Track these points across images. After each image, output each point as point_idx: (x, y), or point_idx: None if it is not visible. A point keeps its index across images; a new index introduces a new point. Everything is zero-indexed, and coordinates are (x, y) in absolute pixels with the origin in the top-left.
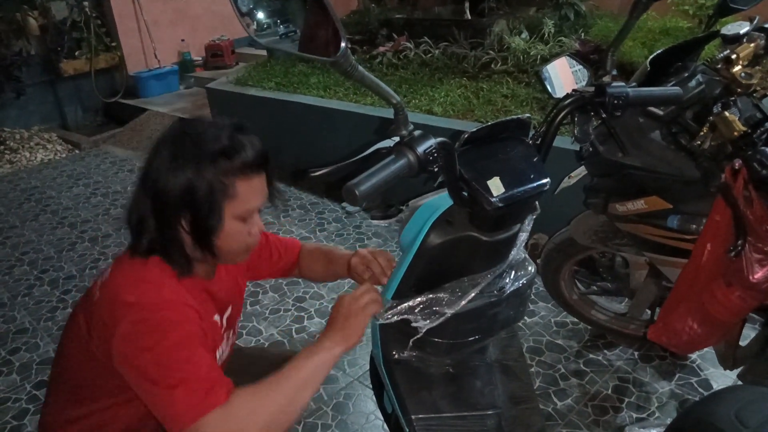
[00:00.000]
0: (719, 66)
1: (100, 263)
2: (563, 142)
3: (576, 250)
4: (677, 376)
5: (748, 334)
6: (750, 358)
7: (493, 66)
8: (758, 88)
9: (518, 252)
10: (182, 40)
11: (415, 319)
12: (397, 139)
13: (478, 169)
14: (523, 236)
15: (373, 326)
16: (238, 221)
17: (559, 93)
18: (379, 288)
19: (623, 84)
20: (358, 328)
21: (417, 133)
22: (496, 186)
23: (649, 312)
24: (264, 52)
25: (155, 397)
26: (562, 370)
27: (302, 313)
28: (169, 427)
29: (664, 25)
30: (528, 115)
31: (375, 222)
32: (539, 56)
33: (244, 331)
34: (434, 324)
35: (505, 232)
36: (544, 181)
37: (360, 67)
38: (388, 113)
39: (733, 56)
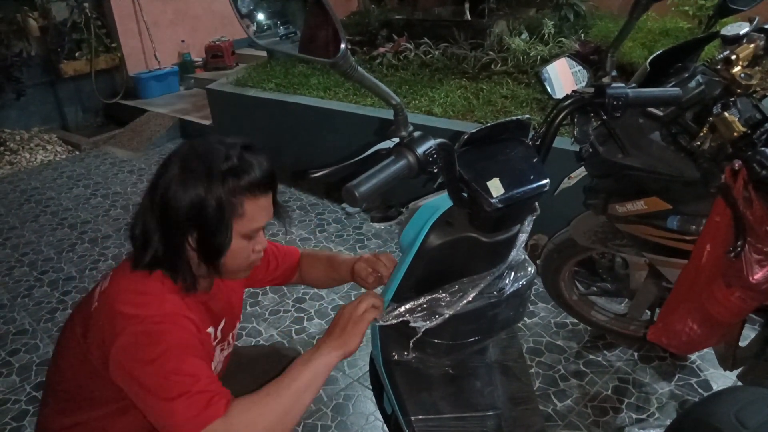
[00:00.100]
0: (719, 67)
1: (99, 264)
2: (563, 142)
3: (576, 250)
4: (677, 376)
5: (748, 335)
6: (750, 358)
7: (493, 67)
8: (758, 89)
9: (518, 253)
10: (182, 41)
11: (414, 320)
12: (396, 140)
13: (477, 170)
14: (523, 237)
15: (373, 328)
16: (243, 239)
17: (559, 94)
18: (380, 289)
19: (623, 85)
20: (356, 335)
21: (417, 134)
22: (495, 187)
23: (648, 313)
24: (264, 53)
25: (155, 409)
26: (562, 371)
27: (302, 314)
28: None
29: (664, 25)
30: (528, 116)
31: (374, 225)
32: (539, 57)
33: (243, 332)
34: (433, 325)
35: (504, 232)
36: (544, 181)
37: (360, 68)
38: (388, 114)
39: (733, 57)
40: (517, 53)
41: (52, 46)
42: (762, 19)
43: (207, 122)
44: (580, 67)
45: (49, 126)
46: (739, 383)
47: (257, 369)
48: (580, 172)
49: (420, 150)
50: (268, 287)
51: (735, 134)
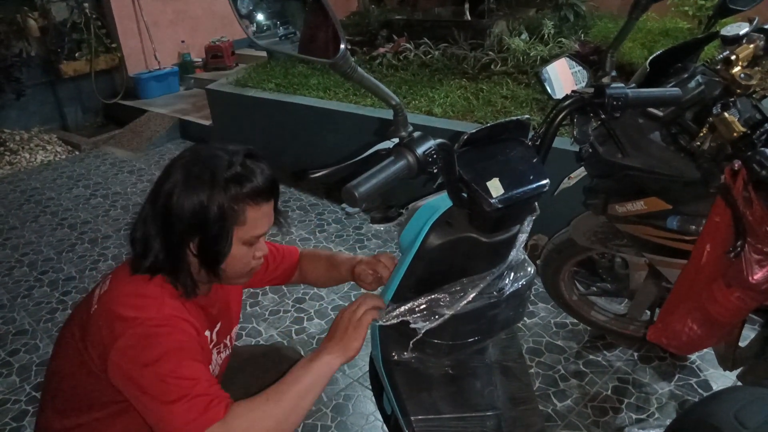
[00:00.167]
0: (719, 67)
1: (99, 264)
2: (563, 143)
3: (576, 251)
4: (677, 376)
5: (748, 335)
6: (750, 358)
7: (492, 67)
8: (758, 89)
9: (518, 253)
10: (182, 42)
11: (414, 320)
12: (396, 140)
13: (477, 171)
14: (523, 237)
15: (373, 328)
16: (244, 246)
17: (559, 94)
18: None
19: (622, 85)
20: (356, 339)
21: (416, 134)
22: (495, 187)
23: (648, 313)
24: (264, 54)
25: (154, 412)
26: (562, 371)
27: (302, 314)
28: None
29: (664, 26)
30: (527, 116)
31: (374, 226)
32: (539, 57)
33: (243, 333)
34: (433, 325)
35: (504, 233)
36: (544, 182)
37: (359, 69)
38: (388, 114)
39: (733, 57)
40: (516, 53)
41: (52, 47)
42: (762, 20)
43: (207, 122)
44: (580, 68)
45: (49, 126)
46: (739, 383)
47: (257, 369)
48: (580, 172)
49: (420, 150)
50: (267, 287)
51: (735, 134)
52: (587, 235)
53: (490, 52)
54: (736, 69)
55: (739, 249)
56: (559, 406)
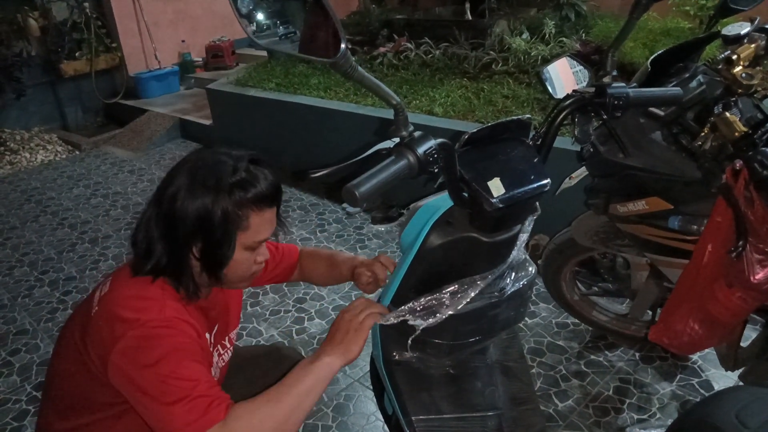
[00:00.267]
0: (720, 67)
1: (100, 264)
2: (564, 142)
3: (577, 250)
4: (678, 377)
5: (750, 335)
6: (751, 359)
7: (493, 67)
8: (759, 89)
9: (519, 253)
10: (182, 41)
11: (414, 319)
12: (397, 140)
13: (478, 170)
14: (524, 237)
15: (373, 328)
16: (246, 251)
17: (560, 94)
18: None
19: (624, 84)
20: (357, 342)
21: (417, 134)
22: (496, 187)
23: (650, 313)
24: (264, 53)
25: (154, 414)
26: (563, 371)
27: (303, 314)
28: None
29: (665, 25)
30: (528, 115)
31: (375, 226)
32: (540, 57)
33: (244, 332)
34: (433, 323)
35: (505, 232)
36: (545, 181)
37: (360, 68)
38: (389, 114)
39: (734, 57)
40: (518, 53)
41: (53, 46)
42: (763, 19)
43: (207, 122)
44: (581, 67)
45: (49, 126)
46: (741, 383)
47: (257, 370)
48: (581, 172)
49: (420, 150)
50: (268, 287)
51: (736, 134)
52: (588, 235)
53: (491, 52)
54: (738, 69)
55: (740, 249)
56: (561, 406)
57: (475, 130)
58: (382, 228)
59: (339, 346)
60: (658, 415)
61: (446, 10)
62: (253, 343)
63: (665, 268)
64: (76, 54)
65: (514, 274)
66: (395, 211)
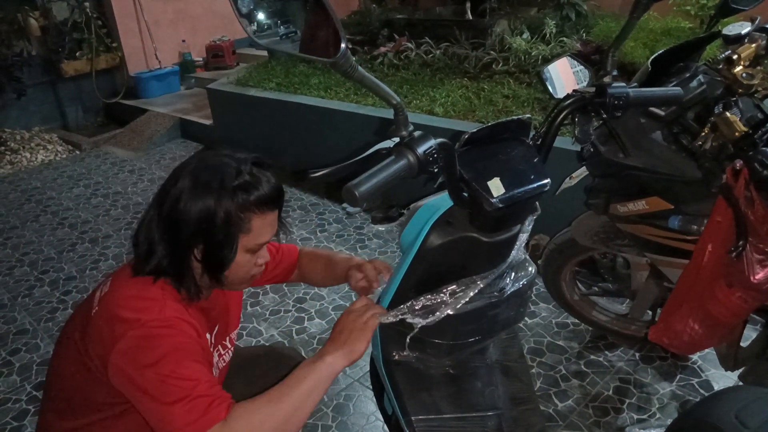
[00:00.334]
0: (720, 66)
1: (100, 264)
2: (564, 142)
3: (577, 250)
4: (678, 377)
5: (750, 335)
6: (751, 358)
7: (494, 66)
8: (759, 89)
9: (518, 253)
10: (183, 41)
11: (413, 317)
12: (397, 139)
13: (478, 170)
14: (524, 237)
15: None
16: (247, 253)
17: (560, 93)
18: (379, 290)
19: (624, 84)
20: (361, 344)
21: (417, 133)
22: (496, 187)
23: (650, 313)
24: (265, 53)
25: (155, 413)
26: (563, 371)
27: (303, 314)
28: None
29: (666, 25)
30: (528, 115)
31: (375, 226)
32: (540, 57)
33: (244, 332)
34: (432, 322)
35: (505, 232)
36: (545, 181)
37: (360, 68)
38: (389, 114)
39: (735, 57)
40: (518, 53)
41: (53, 46)
42: (763, 19)
43: (208, 122)
44: (582, 67)
45: (49, 126)
46: (741, 383)
47: (257, 370)
48: (582, 171)
49: (420, 149)
50: (268, 287)
51: (736, 134)
52: (589, 235)
53: (492, 52)
54: (738, 68)
55: (740, 249)
56: (561, 406)
57: (475, 130)
58: (382, 228)
59: (343, 346)
60: (658, 415)
61: (447, 9)
62: (253, 343)
63: (665, 268)
64: (77, 54)
65: (513, 274)
66: (395, 211)
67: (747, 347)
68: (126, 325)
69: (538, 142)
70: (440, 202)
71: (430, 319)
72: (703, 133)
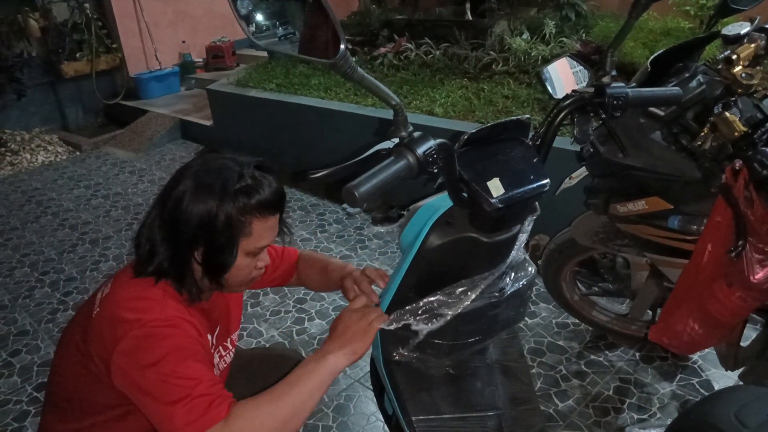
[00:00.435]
0: (720, 66)
1: (100, 265)
2: (564, 142)
3: (577, 250)
4: (678, 376)
5: (750, 335)
6: (751, 358)
7: (494, 67)
8: (759, 89)
9: (518, 253)
10: (183, 42)
11: (416, 323)
12: (396, 140)
13: (477, 170)
14: (523, 237)
15: None
16: (248, 256)
17: (560, 94)
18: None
19: (623, 84)
20: (364, 345)
21: (417, 134)
22: (495, 187)
23: (650, 313)
24: (265, 54)
25: (156, 413)
26: (563, 371)
27: (303, 315)
28: None
29: (665, 25)
30: (528, 115)
31: (375, 227)
32: (540, 57)
33: (245, 333)
34: (435, 327)
35: (505, 232)
36: (544, 181)
37: (359, 69)
38: (388, 114)
39: (734, 57)
40: (518, 53)
41: (53, 47)
42: (763, 19)
43: (208, 123)
44: (581, 67)
45: (49, 127)
46: (741, 383)
47: (258, 370)
48: (581, 172)
49: (420, 150)
50: (268, 288)
51: (736, 134)
52: (588, 235)
53: (492, 52)
54: (737, 68)
55: (740, 248)
56: (561, 406)
57: (474, 131)
58: (382, 229)
59: (345, 345)
60: (658, 415)
61: (446, 10)
62: (254, 344)
63: (665, 268)
64: (77, 55)
65: (513, 274)
66: (395, 211)
67: (747, 347)
68: (127, 326)
69: (538, 143)
70: (440, 202)
71: (434, 324)
72: (703, 133)
